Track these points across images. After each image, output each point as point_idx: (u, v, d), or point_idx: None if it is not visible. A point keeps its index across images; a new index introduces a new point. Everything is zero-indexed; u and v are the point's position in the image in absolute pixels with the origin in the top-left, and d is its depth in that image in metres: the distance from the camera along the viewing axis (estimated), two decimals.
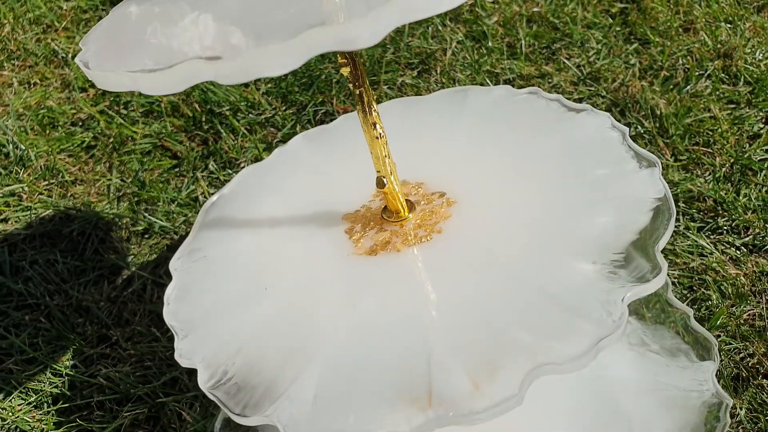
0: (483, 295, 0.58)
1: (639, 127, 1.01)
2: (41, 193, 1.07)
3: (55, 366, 0.86)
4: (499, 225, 0.63)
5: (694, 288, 0.84)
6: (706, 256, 0.85)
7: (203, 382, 0.58)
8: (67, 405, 0.83)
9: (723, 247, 0.87)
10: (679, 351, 0.73)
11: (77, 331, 0.91)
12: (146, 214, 1.03)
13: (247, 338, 0.60)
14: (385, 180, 0.61)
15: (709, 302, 0.81)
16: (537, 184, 0.65)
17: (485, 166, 0.69)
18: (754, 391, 0.72)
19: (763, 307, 0.79)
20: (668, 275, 0.86)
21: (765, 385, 0.72)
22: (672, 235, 0.90)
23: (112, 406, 0.82)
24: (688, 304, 0.82)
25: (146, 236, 1.02)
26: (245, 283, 0.65)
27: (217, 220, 0.73)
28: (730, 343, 0.76)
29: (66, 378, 0.85)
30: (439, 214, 0.64)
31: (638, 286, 0.54)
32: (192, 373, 0.85)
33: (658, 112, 1.02)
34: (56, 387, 0.85)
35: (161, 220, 1.02)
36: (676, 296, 0.82)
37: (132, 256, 0.99)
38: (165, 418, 0.81)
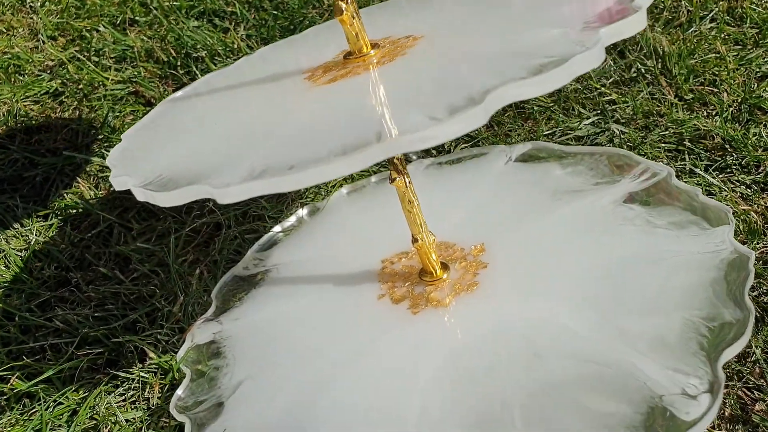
0: None
1: (641, 65, 0.94)
2: (2, 139, 0.98)
3: (7, 309, 0.77)
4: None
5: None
6: (715, 194, 0.77)
7: None
8: (17, 347, 0.74)
9: (732, 186, 0.79)
10: (689, 223, 0.68)
11: (35, 276, 0.82)
12: None
13: None
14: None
15: None
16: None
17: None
18: None
19: None
20: None
21: None
22: (677, 173, 0.82)
23: (68, 349, 0.73)
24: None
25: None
26: None
27: None
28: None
29: (18, 321, 0.76)
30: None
31: None
32: (152, 315, 0.77)
33: (661, 52, 0.94)
34: (6, 330, 0.75)
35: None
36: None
37: (99, 202, 0.90)
38: (124, 359, 0.72)
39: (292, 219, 0.85)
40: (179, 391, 0.66)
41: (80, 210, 0.89)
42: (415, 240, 0.66)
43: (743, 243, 0.70)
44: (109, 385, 0.69)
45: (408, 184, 0.65)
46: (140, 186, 0.55)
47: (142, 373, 0.69)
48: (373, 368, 0.64)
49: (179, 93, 0.75)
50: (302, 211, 0.86)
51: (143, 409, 0.67)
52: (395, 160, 0.64)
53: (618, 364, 0.56)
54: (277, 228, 0.84)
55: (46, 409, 0.67)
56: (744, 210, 0.74)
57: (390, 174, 0.64)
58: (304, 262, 0.78)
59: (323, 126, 0.55)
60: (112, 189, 0.91)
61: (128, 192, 0.92)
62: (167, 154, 0.61)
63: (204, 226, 0.85)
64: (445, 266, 0.69)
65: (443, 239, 0.72)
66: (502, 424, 0.56)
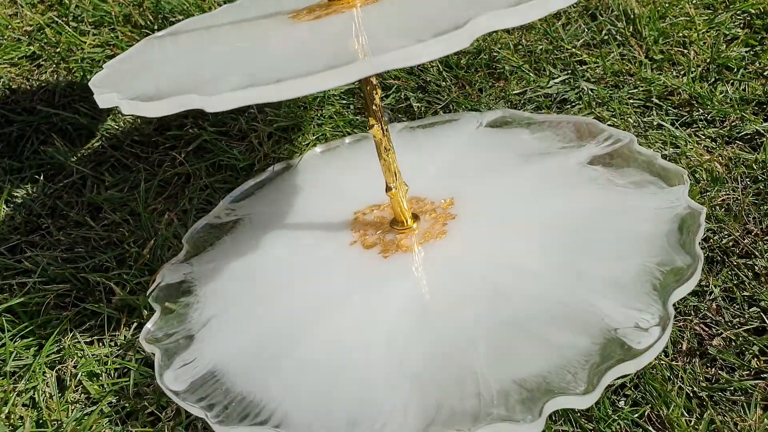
0: None
1: (612, 27, 0.95)
2: None
3: None
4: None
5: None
6: (680, 147, 0.78)
7: None
8: None
9: (698, 139, 0.80)
10: (648, 183, 0.70)
11: (6, 223, 0.81)
12: (90, 118, 0.95)
13: None
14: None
15: None
16: None
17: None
18: (729, 271, 0.64)
19: (739, 191, 0.72)
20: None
21: (741, 264, 0.65)
22: (644, 128, 0.83)
23: (35, 286, 0.73)
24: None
25: (91, 139, 0.93)
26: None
27: None
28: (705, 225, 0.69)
29: None
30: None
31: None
32: (121, 258, 0.77)
33: (632, 15, 0.96)
34: None
35: (109, 122, 0.94)
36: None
37: (74, 157, 0.90)
38: (91, 296, 0.71)
39: (266, 174, 0.85)
40: (149, 325, 0.66)
41: (54, 163, 0.89)
42: (388, 188, 0.68)
43: (706, 191, 0.71)
44: (76, 321, 0.69)
45: (385, 131, 0.66)
46: (126, 99, 0.54)
47: (109, 310, 0.69)
48: (343, 304, 0.65)
49: (159, 33, 0.76)
50: (276, 167, 0.86)
51: (110, 345, 0.67)
52: (373, 107, 0.65)
53: (577, 303, 0.58)
54: (250, 182, 0.84)
55: (11, 339, 0.67)
56: (707, 160, 0.75)
57: (368, 121, 0.65)
58: (276, 213, 0.78)
59: (309, 50, 0.55)
60: (87, 145, 0.91)
61: (102, 146, 0.92)
62: (152, 77, 0.61)
63: (175, 177, 0.85)
64: (415, 217, 0.71)
65: (415, 194, 0.74)
66: (466, 354, 0.57)
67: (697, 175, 0.74)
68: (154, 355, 0.63)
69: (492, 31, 0.49)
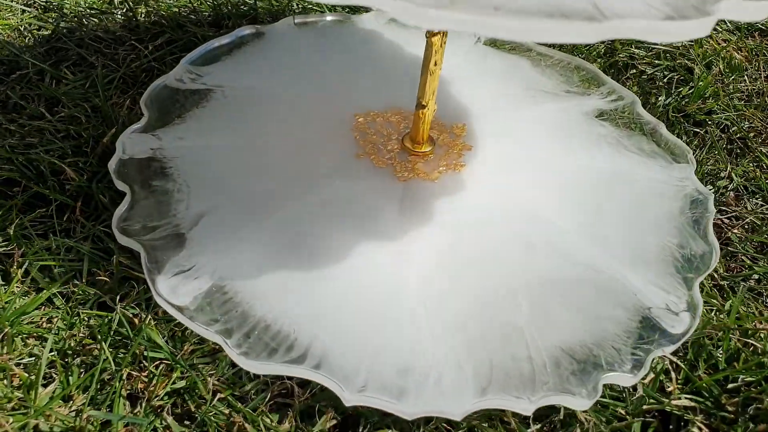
0: None
1: None
2: None
3: None
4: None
5: (676, 68, 0.70)
6: (696, 39, 0.72)
7: None
8: None
9: (714, 32, 0.74)
10: (656, 154, 0.69)
11: None
12: (51, 20, 0.86)
13: None
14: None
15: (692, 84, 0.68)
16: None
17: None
18: (749, 159, 0.58)
19: (761, 79, 0.65)
20: (644, 56, 0.73)
21: (764, 152, 0.59)
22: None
23: None
24: (670, 83, 0.69)
25: (53, 39, 0.84)
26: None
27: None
28: (724, 112, 0.63)
29: None
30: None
31: None
32: (78, 148, 0.69)
33: None
34: None
35: (71, 24, 0.86)
36: (657, 74, 0.70)
37: (31, 54, 0.81)
38: (43, 184, 0.63)
39: (231, 36, 0.76)
40: (121, 210, 0.57)
41: (9, 58, 0.80)
42: (422, 106, 0.61)
43: (725, 76, 0.65)
44: (23, 209, 0.61)
45: (443, 43, 0.58)
46: None
47: (62, 197, 0.61)
48: (363, 225, 0.57)
49: None
50: (244, 31, 0.77)
51: (62, 236, 0.60)
52: None
53: (608, 271, 0.56)
54: (214, 43, 0.75)
55: None
56: (723, 48, 0.68)
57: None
58: (256, 89, 0.70)
59: None
60: (45, 44, 0.83)
61: (64, 45, 0.84)
62: None
63: (141, 73, 0.77)
64: (431, 140, 0.65)
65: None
66: (508, 307, 0.53)
67: (713, 67, 0.68)
68: (143, 288, 0.53)
69: None
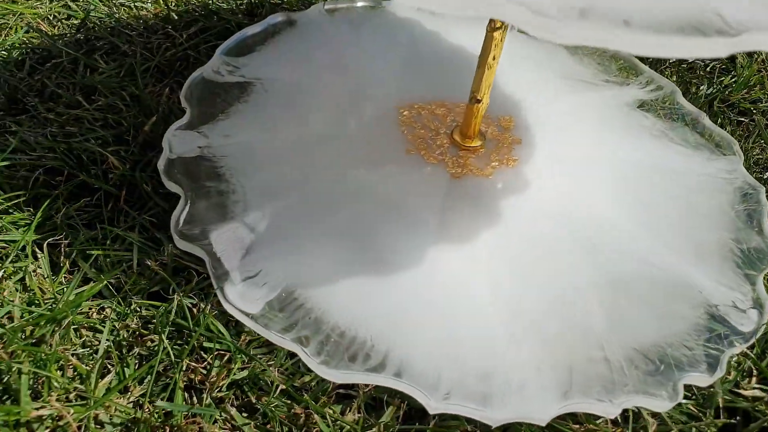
0: None
1: None
2: None
3: None
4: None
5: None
6: None
7: None
8: None
9: None
10: (702, 146, 0.68)
11: None
12: (80, 9, 0.85)
13: None
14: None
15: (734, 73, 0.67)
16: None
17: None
18: None
19: None
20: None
21: None
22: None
23: (21, 160, 0.63)
24: (711, 73, 0.68)
25: (83, 28, 0.83)
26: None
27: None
28: None
29: None
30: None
31: None
32: (118, 136, 0.68)
33: None
34: None
35: (100, 13, 0.84)
36: (697, 63, 0.70)
37: (64, 43, 0.80)
38: (86, 173, 0.62)
39: (263, 25, 0.75)
40: (178, 214, 0.55)
41: (42, 47, 0.79)
42: (477, 100, 0.60)
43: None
44: (69, 198, 0.61)
45: (503, 38, 0.57)
46: None
47: (106, 186, 0.61)
48: (426, 226, 0.56)
49: None
50: (276, 18, 0.76)
51: (108, 224, 0.59)
52: None
53: (671, 269, 0.55)
54: (247, 31, 0.73)
55: None
56: None
57: (492, 21, 0.55)
58: (295, 82, 0.69)
59: None
60: (78, 34, 0.82)
61: (95, 33, 0.83)
62: None
63: (176, 62, 0.76)
64: (481, 134, 0.64)
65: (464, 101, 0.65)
66: (579, 310, 0.52)
67: (755, 54, 0.67)
68: (199, 279, 0.52)
69: None
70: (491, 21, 0.55)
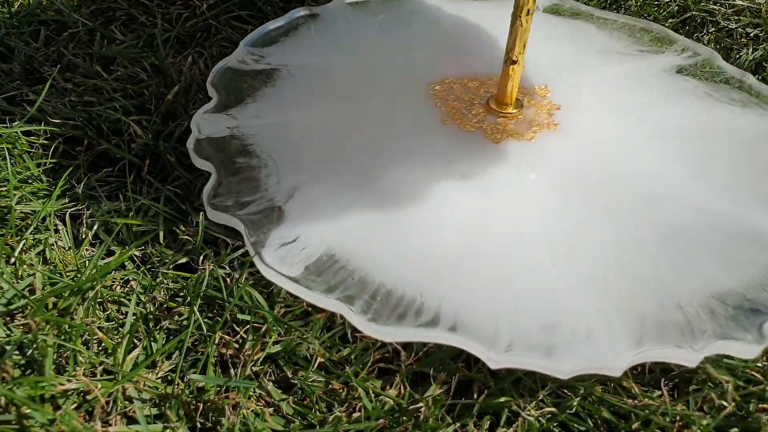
0: None
1: None
2: None
3: None
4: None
5: (761, 23, 0.66)
6: None
7: None
8: None
9: None
10: (751, 102, 0.65)
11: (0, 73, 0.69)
12: None
13: None
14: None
15: None
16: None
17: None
18: None
19: None
20: (723, 17, 0.69)
21: None
22: None
23: (41, 130, 0.61)
24: (755, 40, 0.65)
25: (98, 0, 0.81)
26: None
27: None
28: None
29: None
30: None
31: None
32: (140, 105, 0.65)
33: None
34: None
35: None
36: (738, 30, 0.66)
37: (78, 14, 0.77)
38: (107, 143, 0.60)
39: (285, 19, 0.73)
40: (209, 188, 0.53)
41: (56, 18, 0.76)
42: (513, 61, 0.57)
43: None
44: (90, 168, 0.58)
45: None
46: None
47: (129, 156, 0.58)
48: (469, 188, 0.54)
49: None
50: (298, 12, 0.74)
51: (132, 195, 0.56)
52: None
53: (738, 216, 0.53)
54: (270, 24, 0.72)
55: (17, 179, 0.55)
56: None
57: None
58: (322, 66, 0.67)
59: None
60: (91, 4, 0.79)
61: (112, 4, 0.80)
62: None
63: (195, 32, 0.74)
64: (518, 102, 0.61)
65: (496, 73, 0.63)
66: (643, 258, 0.49)
67: None
68: (230, 249, 0.50)
69: None
70: None
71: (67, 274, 0.50)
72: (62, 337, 0.44)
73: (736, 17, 0.71)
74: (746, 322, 0.45)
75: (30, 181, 0.56)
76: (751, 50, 0.70)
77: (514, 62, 0.57)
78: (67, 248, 0.52)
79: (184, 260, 0.51)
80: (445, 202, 0.52)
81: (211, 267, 0.48)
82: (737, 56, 0.71)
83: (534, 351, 0.43)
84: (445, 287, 0.47)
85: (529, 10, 0.55)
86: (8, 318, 0.46)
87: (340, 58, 0.68)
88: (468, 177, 0.54)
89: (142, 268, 0.50)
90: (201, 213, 0.52)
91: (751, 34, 0.71)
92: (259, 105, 0.62)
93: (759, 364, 0.45)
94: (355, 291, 0.46)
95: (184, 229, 0.52)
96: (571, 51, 0.71)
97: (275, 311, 0.47)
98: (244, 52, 0.68)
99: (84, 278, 0.48)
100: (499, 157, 0.56)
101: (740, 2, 0.73)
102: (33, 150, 0.58)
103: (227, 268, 0.49)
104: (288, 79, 0.65)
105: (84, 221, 0.54)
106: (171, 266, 0.50)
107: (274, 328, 0.45)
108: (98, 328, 0.46)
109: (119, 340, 0.46)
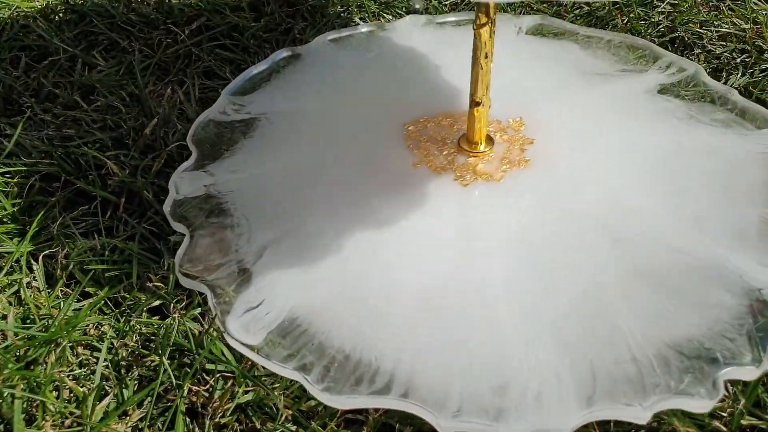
0: None
1: None
2: None
3: None
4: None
5: (748, 48, 0.66)
6: (761, 22, 0.68)
7: None
8: None
9: None
10: (733, 122, 0.63)
11: None
12: (79, 1, 0.82)
13: None
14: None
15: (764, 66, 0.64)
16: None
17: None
18: None
19: None
20: (709, 41, 0.69)
21: None
22: (716, 1, 0.72)
23: (16, 166, 0.61)
24: (738, 67, 0.65)
25: (81, 23, 0.81)
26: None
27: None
28: None
29: None
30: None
31: None
32: (118, 139, 0.65)
33: None
34: None
35: (97, 8, 0.81)
36: (725, 55, 0.66)
37: (60, 39, 0.77)
38: (84, 179, 0.60)
39: (268, 62, 0.73)
40: (181, 252, 0.53)
41: (37, 45, 0.76)
42: (476, 103, 0.57)
43: None
44: (66, 206, 0.58)
45: (492, 33, 0.54)
46: None
47: (104, 193, 0.58)
48: (434, 237, 0.54)
49: None
50: (280, 54, 0.74)
51: (106, 233, 0.56)
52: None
53: (706, 254, 0.51)
54: (252, 70, 0.72)
55: None
56: None
57: (477, 18, 0.53)
58: (301, 111, 0.67)
59: None
60: (74, 28, 0.79)
61: (94, 28, 0.80)
62: None
63: (177, 59, 0.74)
64: (489, 139, 0.60)
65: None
66: (603, 307, 0.48)
67: None
68: (199, 301, 0.50)
69: None
70: (477, 18, 0.52)
71: (41, 317, 0.50)
72: (32, 388, 0.45)
73: (722, 43, 0.71)
74: (701, 375, 0.44)
75: (5, 220, 0.56)
76: (740, 74, 0.70)
77: (477, 104, 0.56)
78: (40, 290, 0.52)
79: (157, 303, 0.51)
80: (408, 259, 0.52)
81: (180, 319, 0.48)
82: (726, 81, 0.71)
83: (483, 414, 0.42)
84: (402, 349, 0.46)
85: (487, 54, 0.54)
86: None
87: (319, 101, 0.68)
88: (433, 228, 0.54)
89: (115, 312, 0.50)
90: (165, 259, 0.52)
91: (738, 60, 0.71)
92: (236, 158, 0.62)
93: (724, 414, 0.45)
94: (314, 357, 0.46)
95: (155, 273, 0.52)
96: (550, 77, 0.70)
97: (245, 361, 0.47)
98: (225, 102, 0.67)
99: (54, 329, 0.48)
100: (466, 203, 0.56)
101: (725, 28, 0.73)
102: (8, 188, 0.58)
103: (197, 319, 0.49)
104: (266, 128, 0.65)
105: (59, 261, 0.54)
106: (144, 310, 0.50)
107: (243, 379, 0.46)
108: (69, 375, 0.47)
109: (91, 385, 0.46)
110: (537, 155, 0.60)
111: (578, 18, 0.79)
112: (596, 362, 0.45)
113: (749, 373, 0.45)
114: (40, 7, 0.81)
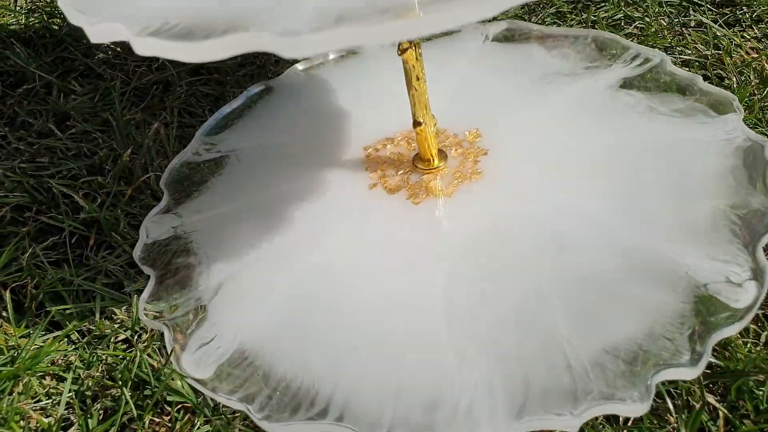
0: None
1: None
2: None
3: None
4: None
5: (708, 75, 0.68)
6: (723, 47, 0.69)
7: None
8: None
9: (742, 40, 0.71)
10: (695, 110, 0.62)
11: None
12: (56, 26, 0.83)
13: None
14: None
15: (727, 85, 0.66)
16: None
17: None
18: None
19: None
20: (674, 61, 0.70)
21: None
22: (680, 28, 0.74)
23: None
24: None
25: (58, 48, 0.82)
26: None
27: None
28: (756, 127, 0.61)
29: None
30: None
31: None
32: (91, 168, 0.66)
33: None
34: None
35: (74, 32, 0.83)
36: None
37: (39, 65, 0.79)
38: (56, 210, 0.61)
39: (242, 98, 0.74)
40: (146, 295, 0.55)
41: (14, 71, 0.78)
42: (417, 123, 0.58)
43: (755, 94, 0.63)
44: (36, 237, 0.59)
45: (418, 56, 0.55)
46: (144, 35, 0.38)
47: (74, 224, 0.59)
48: (381, 258, 0.55)
49: None
50: (253, 90, 0.75)
51: (76, 263, 0.58)
52: None
53: (654, 254, 0.51)
54: (225, 109, 0.72)
55: None
56: (755, 59, 0.66)
57: (399, 44, 0.54)
58: (267, 147, 0.67)
59: None
60: (51, 53, 0.81)
61: (70, 53, 0.81)
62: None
63: (152, 86, 0.75)
64: (442, 154, 0.61)
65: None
66: (541, 317, 0.48)
67: (744, 72, 0.66)
68: (161, 333, 0.52)
69: None
70: (399, 45, 0.53)
71: (8, 349, 0.51)
72: None
73: (686, 68, 0.72)
74: (635, 378, 0.44)
75: None
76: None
77: (419, 124, 0.57)
78: (9, 320, 0.53)
79: (123, 336, 0.52)
80: (353, 283, 0.53)
81: (141, 354, 0.50)
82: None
83: None
84: (341, 373, 0.47)
85: (418, 76, 0.55)
86: None
87: (286, 133, 0.68)
88: (382, 249, 0.55)
89: (82, 342, 0.52)
90: (130, 292, 0.54)
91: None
92: (203, 198, 0.63)
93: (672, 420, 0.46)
94: (258, 387, 0.47)
95: (119, 312, 0.53)
96: (511, 84, 0.70)
97: (202, 396, 0.49)
98: (198, 144, 0.68)
99: (20, 362, 0.49)
100: (415, 221, 0.56)
101: (687, 54, 0.75)
102: None
103: (158, 353, 0.50)
104: (234, 165, 0.66)
105: (29, 291, 0.55)
106: (108, 342, 0.52)
107: (201, 410, 0.47)
108: (35, 406, 0.48)
109: (56, 415, 0.47)
110: (490, 167, 0.60)
111: (547, 17, 0.80)
112: (531, 373, 0.45)
113: (686, 374, 0.44)
114: (18, 31, 0.83)
